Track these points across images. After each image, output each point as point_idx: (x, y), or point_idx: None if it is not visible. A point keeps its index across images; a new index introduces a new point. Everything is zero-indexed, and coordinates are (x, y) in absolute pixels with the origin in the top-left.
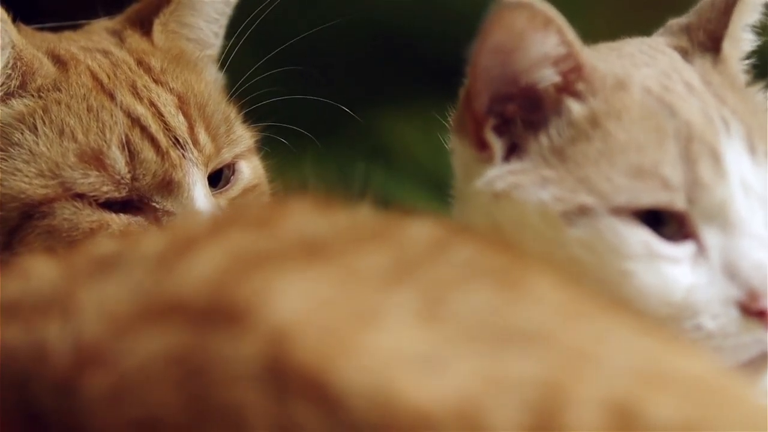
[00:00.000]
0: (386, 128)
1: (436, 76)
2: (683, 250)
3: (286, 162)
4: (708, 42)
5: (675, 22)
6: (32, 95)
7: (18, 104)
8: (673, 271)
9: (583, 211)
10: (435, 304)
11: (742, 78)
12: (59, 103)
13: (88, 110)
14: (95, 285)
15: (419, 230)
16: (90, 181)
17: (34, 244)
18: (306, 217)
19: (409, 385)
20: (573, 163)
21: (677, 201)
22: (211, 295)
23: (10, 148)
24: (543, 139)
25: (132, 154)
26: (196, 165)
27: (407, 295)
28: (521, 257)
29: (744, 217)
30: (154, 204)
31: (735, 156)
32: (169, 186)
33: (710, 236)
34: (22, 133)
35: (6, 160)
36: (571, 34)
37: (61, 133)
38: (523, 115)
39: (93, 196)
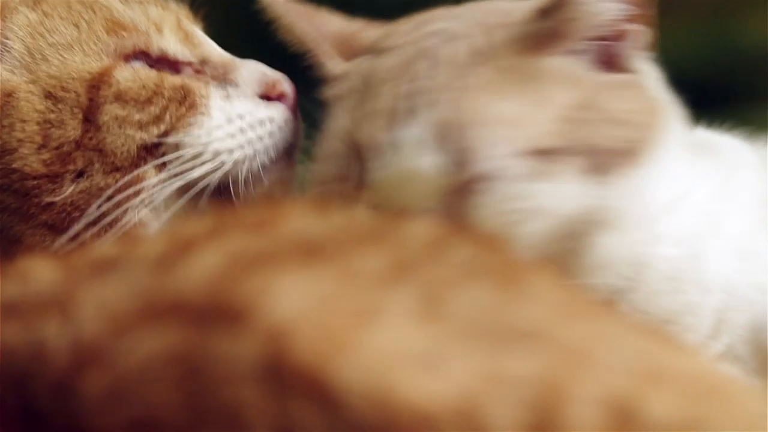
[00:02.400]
0: None
1: None
2: None
3: None
4: None
5: None
6: None
7: None
8: None
9: None
10: (433, 303)
11: None
12: None
13: None
14: (94, 285)
15: (417, 230)
16: None
17: None
18: (303, 219)
19: (408, 383)
20: None
21: None
22: (211, 294)
23: None
24: None
25: None
26: None
27: (406, 293)
28: (519, 256)
29: None
30: None
31: None
32: None
33: None
34: None
35: None
36: None
37: None
38: None
39: None
